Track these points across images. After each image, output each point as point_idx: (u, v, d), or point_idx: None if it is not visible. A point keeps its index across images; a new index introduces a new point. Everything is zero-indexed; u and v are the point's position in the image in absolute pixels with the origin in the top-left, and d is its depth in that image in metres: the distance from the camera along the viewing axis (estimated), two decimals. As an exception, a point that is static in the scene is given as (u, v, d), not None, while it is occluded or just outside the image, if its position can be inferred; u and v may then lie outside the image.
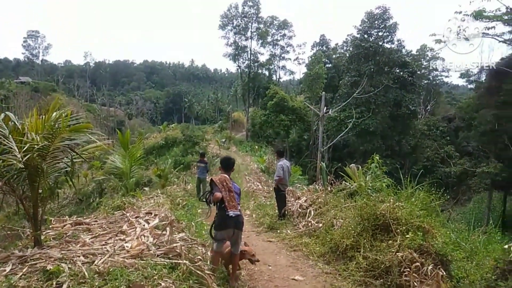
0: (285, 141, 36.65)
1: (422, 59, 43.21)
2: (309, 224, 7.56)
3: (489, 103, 26.68)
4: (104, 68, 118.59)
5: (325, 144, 30.03)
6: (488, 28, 21.13)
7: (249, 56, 43.54)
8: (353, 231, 5.68)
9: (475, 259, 6.05)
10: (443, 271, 4.47)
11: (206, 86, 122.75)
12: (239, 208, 4.50)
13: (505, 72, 24.63)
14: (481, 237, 7.81)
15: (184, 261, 3.82)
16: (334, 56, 45.73)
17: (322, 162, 10.52)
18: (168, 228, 4.46)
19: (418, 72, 37.56)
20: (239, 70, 46.15)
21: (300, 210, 8.55)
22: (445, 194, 7.35)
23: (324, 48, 47.20)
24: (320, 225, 7.17)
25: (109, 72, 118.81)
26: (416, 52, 43.16)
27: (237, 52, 43.25)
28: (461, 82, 69.31)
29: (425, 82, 43.84)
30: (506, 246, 5.60)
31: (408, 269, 4.48)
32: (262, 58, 46.30)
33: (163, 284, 3.33)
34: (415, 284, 4.37)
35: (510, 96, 24.49)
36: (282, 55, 49.07)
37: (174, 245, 4.11)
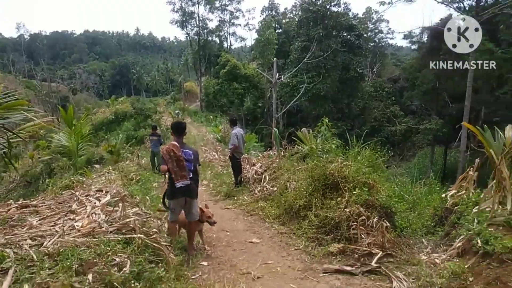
0: (240, 109, 36.52)
1: (368, 22, 44.17)
2: (265, 189, 7.78)
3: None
4: (40, 40, 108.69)
5: (279, 111, 30.38)
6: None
7: (197, 23, 41.96)
8: (305, 192, 5.92)
9: (417, 209, 6.61)
10: (387, 222, 4.82)
11: (154, 56, 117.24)
12: (190, 176, 4.46)
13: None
14: (422, 188, 8.51)
15: (139, 235, 3.79)
16: (284, 21, 45.36)
17: (275, 128, 10.68)
18: (120, 204, 4.37)
19: (365, 35, 38.48)
20: (188, 38, 44.47)
21: (255, 176, 8.74)
22: (389, 152, 7.82)
23: (274, 13, 46.57)
24: (275, 189, 7.41)
25: (47, 44, 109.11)
26: (362, 15, 44.01)
27: (184, 19, 41.45)
28: (405, 43, 72.20)
29: (372, 44, 45.05)
30: (443, 195, 6.15)
31: (356, 223, 4.79)
32: (211, 25, 44.97)
33: (117, 259, 3.31)
34: (362, 236, 4.70)
35: (449, 55, 25.87)
36: (232, 21, 47.97)
37: (127, 220, 4.06)
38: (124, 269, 3.23)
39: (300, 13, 37.73)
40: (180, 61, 74.69)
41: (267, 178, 8.22)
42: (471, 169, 5.76)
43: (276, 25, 42.07)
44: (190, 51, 48.68)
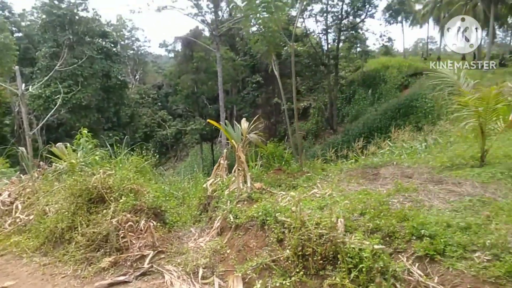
0: (-24, 130, 29.18)
1: (124, 29, 43.88)
2: (18, 220, 6.54)
3: (187, 69, 30.86)
4: None
5: (35, 127, 26.17)
6: (174, 1, 23.79)
7: None
8: (67, 213, 5.36)
9: (186, 202, 7.15)
10: (154, 222, 4.98)
11: None
12: None
13: (194, 42, 28.91)
14: (190, 183, 9.26)
15: None
16: (23, 23, 39.09)
17: (21, 148, 9.09)
18: None
19: (122, 43, 38.14)
20: None
21: (3, 208, 7.22)
22: (156, 154, 8.12)
23: (7, 14, 39.26)
24: (31, 217, 6.36)
25: None
26: (117, 22, 43.28)
27: None
28: (163, 52, 75.91)
29: (131, 52, 45.15)
30: (204, 185, 6.89)
31: (124, 231, 4.72)
32: None
33: None
34: (133, 241, 4.68)
35: (200, 63, 29.12)
36: None
37: None
38: None
39: (43, 16, 33.43)
40: None
41: (20, 207, 6.95)
42: (221, 158, 6.71)
43: (14, 28, 35.80)
44: None
